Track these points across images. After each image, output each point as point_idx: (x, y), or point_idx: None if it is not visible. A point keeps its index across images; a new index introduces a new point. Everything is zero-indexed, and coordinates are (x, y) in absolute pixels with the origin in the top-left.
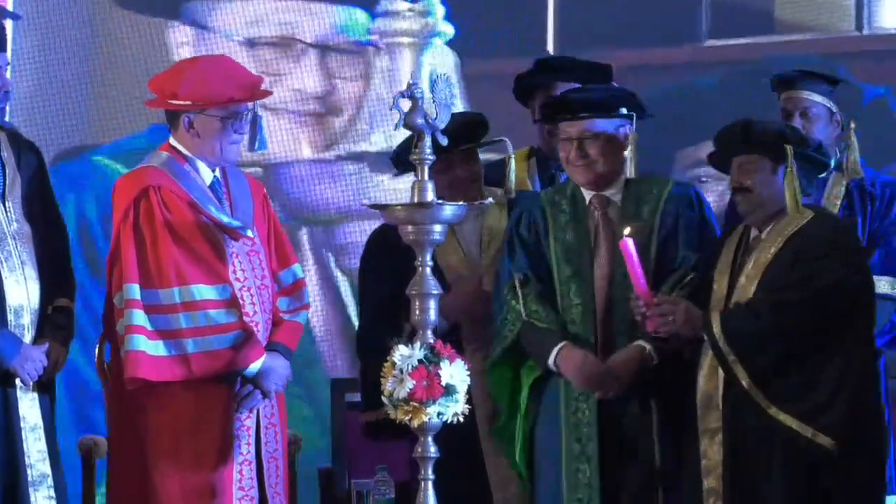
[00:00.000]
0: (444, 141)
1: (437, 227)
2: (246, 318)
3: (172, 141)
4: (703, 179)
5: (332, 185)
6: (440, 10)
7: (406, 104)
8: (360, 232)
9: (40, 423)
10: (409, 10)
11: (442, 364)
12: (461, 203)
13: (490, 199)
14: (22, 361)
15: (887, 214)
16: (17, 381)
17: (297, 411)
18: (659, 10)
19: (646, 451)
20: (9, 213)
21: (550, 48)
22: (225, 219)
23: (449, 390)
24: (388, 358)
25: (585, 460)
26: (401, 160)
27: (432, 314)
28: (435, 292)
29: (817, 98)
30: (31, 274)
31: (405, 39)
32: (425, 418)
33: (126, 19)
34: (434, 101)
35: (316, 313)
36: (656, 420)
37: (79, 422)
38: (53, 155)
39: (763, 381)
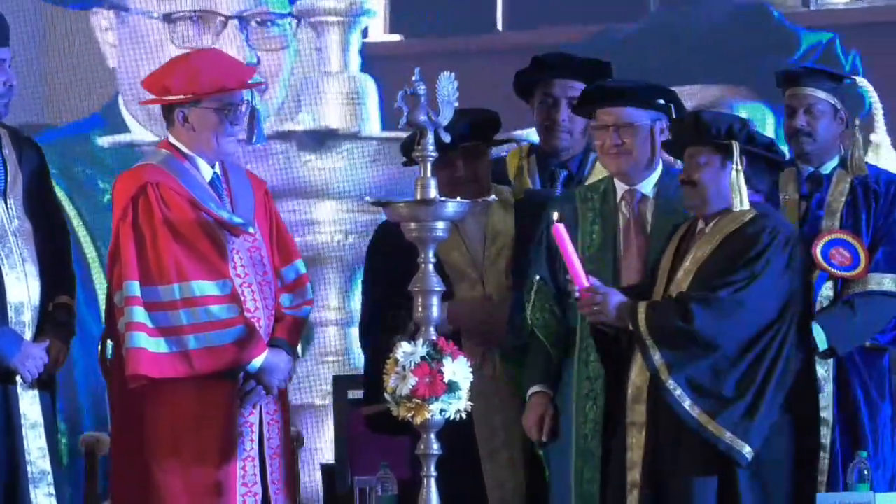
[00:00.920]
0: (446, 138)
1: (440, 224)
2: (247, 314)
3: (171, 139)
4: None
5: (259, 164)
6: None
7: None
8: (289, 212)
9: (41, 420)
10: None
11: (444, 361)
12: (463, 200)
13: (493, 197)
14: (22, 359)
15: (891, 211)
16: (18, 379)
17: None
18: None
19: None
20: (10, 210)
21: (500, 25)
22: (225, 215)
23: (451, 387)
24: (391, 354)
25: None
26: (410, 151)
27: (435, 311)
28: (437, 289)
29: (822, 95)
30: (32, 271)
31: (331, 18)
32: (428, 415)
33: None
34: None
35: None
36: None
37: (96, 419)
38: None
39: (678, 376)
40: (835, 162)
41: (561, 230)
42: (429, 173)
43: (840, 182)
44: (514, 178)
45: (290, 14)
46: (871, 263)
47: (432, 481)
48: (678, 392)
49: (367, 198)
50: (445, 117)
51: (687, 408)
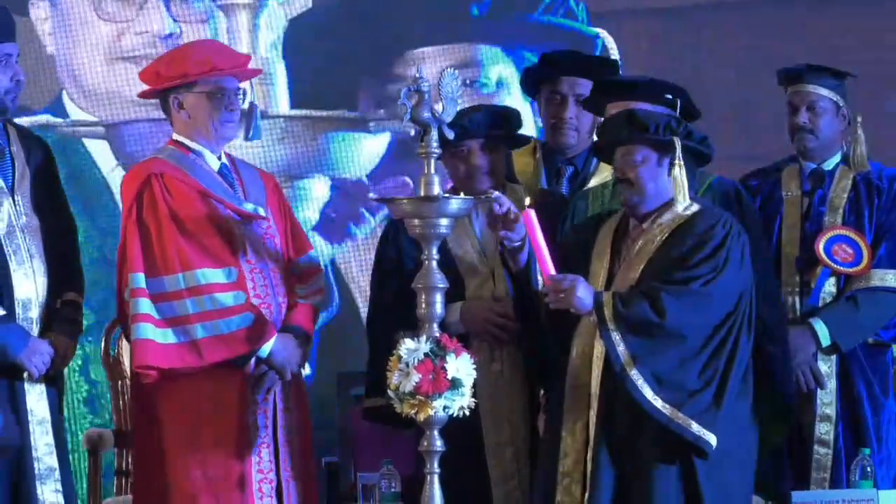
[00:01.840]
0: (450, 135)
1: (444, 221)
2: (258, 301)
3: (175, 135)
4: None
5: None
6: None
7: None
8: None
9: (48, 416)
10: None
11: (448, 358)
12: (467, 197)
13: (496, 193)
14: (30, 354)
15: (894, 207)
16: (25, 375)
17: None
18: None
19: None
20: (18, 207)
21: None
22: (238, 203)
23: (455, 384)
24: (395, 351)
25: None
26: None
27: (439, 307)
28: (441, 286)
29: (824, 92)
30: (40, 267)
31: (240, 0)
32: (431, 412)
33: None
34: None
35: None
36: None
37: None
38: None
39: (643, 367)
40: (837, 158)
41: (531, 216)
42: (432, 170)
43: (842, 178)
44: (524, 175)
45: None
46: (873, 259)
47: (435, 478)
48: (641, 382)
49: (371, 195)
50: (449, 114)
51: (651, 399)
